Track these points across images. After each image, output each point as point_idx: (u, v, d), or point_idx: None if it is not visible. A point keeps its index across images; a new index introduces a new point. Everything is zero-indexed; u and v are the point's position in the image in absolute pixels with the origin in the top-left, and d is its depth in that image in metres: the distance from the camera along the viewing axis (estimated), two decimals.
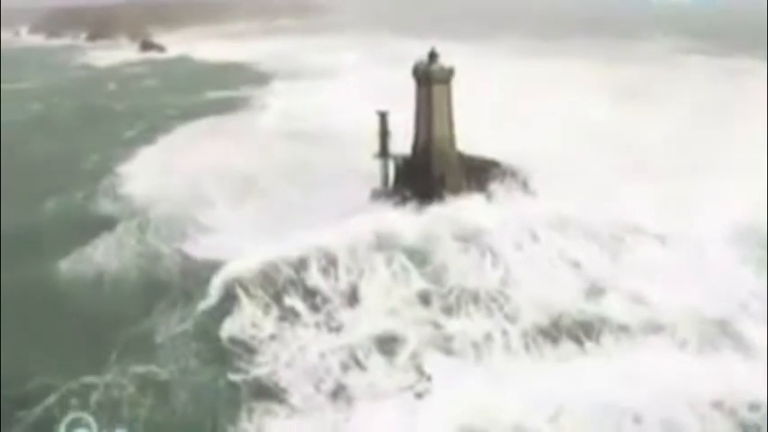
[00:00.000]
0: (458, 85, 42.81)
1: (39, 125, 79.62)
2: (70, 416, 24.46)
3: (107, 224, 43.53)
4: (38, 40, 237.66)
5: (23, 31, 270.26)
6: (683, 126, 55.22)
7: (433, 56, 41.89)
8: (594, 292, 32.99)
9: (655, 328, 30.03)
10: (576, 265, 35.56)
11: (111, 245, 40.19)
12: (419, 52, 42.72)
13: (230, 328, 30.49)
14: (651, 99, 66.41)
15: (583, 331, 29.87)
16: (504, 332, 29.84)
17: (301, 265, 34.38)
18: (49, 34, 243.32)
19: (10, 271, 36.11)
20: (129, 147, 63.64)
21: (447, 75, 41.74)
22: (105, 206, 48.04)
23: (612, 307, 31.46)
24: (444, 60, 41.93)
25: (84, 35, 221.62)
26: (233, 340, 29.95)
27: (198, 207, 44.82)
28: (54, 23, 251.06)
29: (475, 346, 29.10)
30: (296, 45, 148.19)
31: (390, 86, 48.58)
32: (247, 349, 29.43)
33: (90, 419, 24.25)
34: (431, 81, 41.36)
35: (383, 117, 43.33)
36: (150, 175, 52.83)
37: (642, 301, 31.75)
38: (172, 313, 31.90)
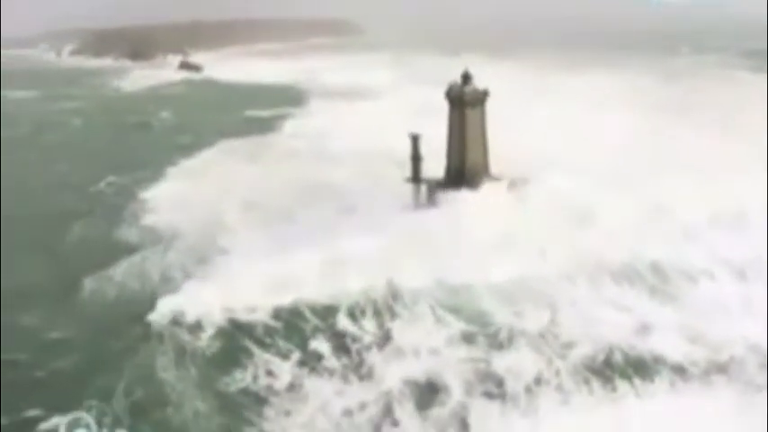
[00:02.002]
0: (498, 103, 41.83)
1: (71, 145, 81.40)
2: (70, 416, 24.59)
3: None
4: (79, 60, 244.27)
5: (65, 51, 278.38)
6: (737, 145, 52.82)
7: (466, 77, 40.71)
8: (646, 330, 30.58)
9: (713, 367, 27.86)
10: (627, 303, 33.05)
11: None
12: (456, 71, 41.54)
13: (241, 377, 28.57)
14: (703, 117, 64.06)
15: (635, 371, 27.69)
16: (557, 372, 27.62)
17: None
18: (90, 54, 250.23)
19: None
20: (159, 167, 63.85)
21: (481, 97, 40.55)
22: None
23: (666, 345, 29.08)
24: (484, 77, 40.84)
25: (124, 55, 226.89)
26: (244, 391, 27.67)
27: (221, 232, 43.53)
28: (95, 44, 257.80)
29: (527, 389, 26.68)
30: (331, 64, 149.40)
31: (426, 106, 47.87)
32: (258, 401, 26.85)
33: (90, 419, 24.50)
34: (464, 103, 40.22)
35: (415, 141, 42.54)
36: (174, 201, 52.30)
37: (698, 340, 29.50)
38: None
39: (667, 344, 28.86)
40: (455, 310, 32.28)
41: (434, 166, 43.38)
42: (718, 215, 40.23)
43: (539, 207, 38.81)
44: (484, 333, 30.63)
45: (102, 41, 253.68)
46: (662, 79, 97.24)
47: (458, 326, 31.17)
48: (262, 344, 30.61)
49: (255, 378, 28.11)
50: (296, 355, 29.68)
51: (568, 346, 29.23)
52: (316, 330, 31.44)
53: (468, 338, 30.27)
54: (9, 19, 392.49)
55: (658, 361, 28.03)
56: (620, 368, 27.77)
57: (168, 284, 36.25)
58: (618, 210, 39.81)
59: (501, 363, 28.04)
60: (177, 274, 37.55)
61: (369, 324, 31.50)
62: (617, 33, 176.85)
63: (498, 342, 29.94)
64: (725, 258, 36.47)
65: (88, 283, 37.18)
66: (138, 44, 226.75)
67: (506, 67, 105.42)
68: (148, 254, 41.33)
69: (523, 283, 33.94)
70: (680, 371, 27.52)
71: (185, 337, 31.01)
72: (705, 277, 35.26)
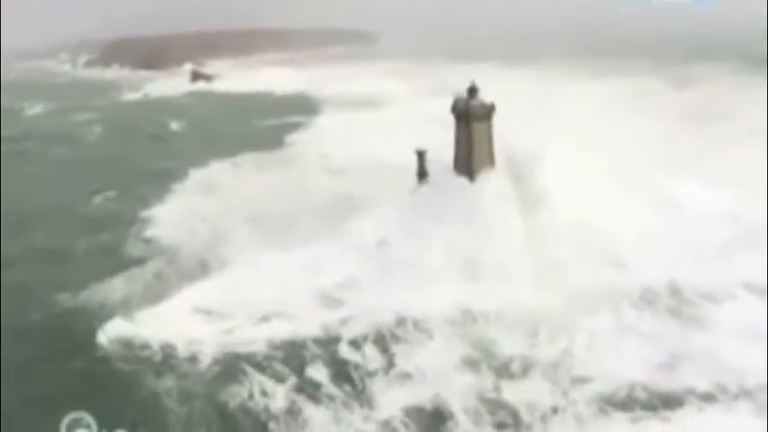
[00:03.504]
0: (515, 111, 40.21)
1: (79, 158, 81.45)
2: (70, 416, 24.00)
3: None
4: (93, 71, 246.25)
5: (80, 62, 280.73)
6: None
7: (472, 91, 39.44)
8: (672, 359, 29.26)
9: (740, 393, 26.82)
10: (648, 330, 31.59)
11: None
12: (468, 80, 40.28)
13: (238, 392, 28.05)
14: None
15: (662, 404, 26.46)
16: (574, 402, 26.45)
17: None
18: (105, 65, 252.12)
19: None
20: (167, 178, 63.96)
21: (488, 111, 39.16)
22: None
23: (692, 373, 27.98)
24: (495, 85, 39.63)
25: (138, 65, 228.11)
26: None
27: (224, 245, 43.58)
28: (110, 55, 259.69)
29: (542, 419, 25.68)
30: (343, 73, 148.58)
31: (438, 117, 46.64)
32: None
33: (90, 419, 23.95)
34: (470, 118, 38.95)
35: (421, 156, 41.53)
36: (179, 215, 52.18)
37: (726, 367, 28.23)
38: None
39: (696, 375, 27.61)
40: (463, 336, 31.03)
41: None
42: (739, 233, 38.62)
43: (550, 227, 36.99)
44: (492, 361, 29.36)
45: (117, 51, 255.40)
46: (674, 86, 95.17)
47: (465, 352, 29.93)
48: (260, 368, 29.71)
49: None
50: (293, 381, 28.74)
51: (584, 380, 27.79)
52: (315, 358, 30.39)
53: (474, 366, 29.03)
54: (29, 29, 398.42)
55: (687, 392, 26.86)
56: (644, 402, 26.54)
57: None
58: (635, 230, 38.22)
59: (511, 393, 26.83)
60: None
61: (371, 350, 30.34)
62: (623, 40, 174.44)
63: (509, 372, 28.69)
64: (746, 278, 34.91)
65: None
66: (152, 54, 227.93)
67: (517, 74, 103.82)
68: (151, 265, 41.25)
69: (537, 308, 32.37)
70: (708, 398, 26.46)
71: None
72: (727, 299, 33.71)
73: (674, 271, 35.58)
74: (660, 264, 36.27)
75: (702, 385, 27.05)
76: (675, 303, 33.51)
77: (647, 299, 33.79)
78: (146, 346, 31.23)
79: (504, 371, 28.70)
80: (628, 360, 28.80)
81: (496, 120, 39.79)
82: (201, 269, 40.70)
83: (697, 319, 32.32)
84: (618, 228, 38.09)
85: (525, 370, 28.68)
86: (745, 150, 53.82)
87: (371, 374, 28.95)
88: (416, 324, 31.86)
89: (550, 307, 32.33)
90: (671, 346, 29.84)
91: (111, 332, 31.97)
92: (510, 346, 30.10)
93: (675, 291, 34.34)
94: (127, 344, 31.37)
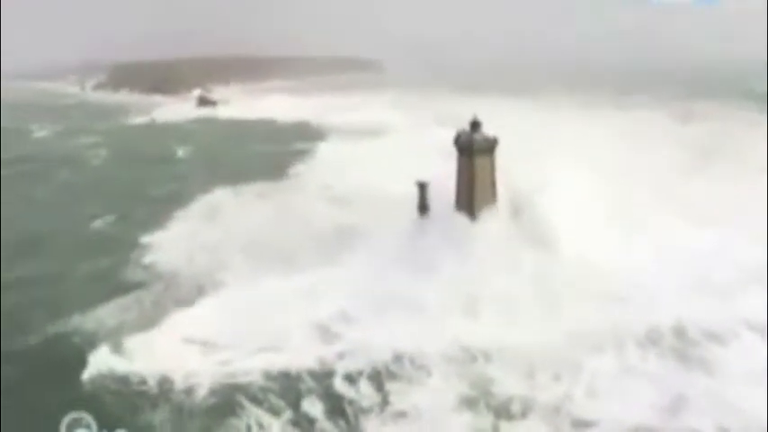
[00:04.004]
0: (517, 144, 40.34)
1: (82, 182, 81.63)
2: (70, 416, 23.78)
3: None
4: (101, 94, 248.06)
5: (89, 85, 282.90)
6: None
7: (475, 125, 39.36)
8: (677, 404, 28.59)
9: None
10: (653, 372, 30.94)
11: None
12: (473, 111, 40.30)
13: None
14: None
15: None
16: None
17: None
18: (113, 88, 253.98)
19: None
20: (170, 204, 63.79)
21: (491, 145, 39.09)
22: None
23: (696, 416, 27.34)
24: (502, 116, 39.56)
25: (145, 90, 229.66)
26: None
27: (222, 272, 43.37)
28: (119, 78, 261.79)
29: None
30: (348, 102, 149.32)
31: (441, 148, 46.47)
32: None
33: (90, 419, 23.83)
34: (473, 152, 38.83)
35: (422, 189, 41.40)
36: (179, 242, 51.85)
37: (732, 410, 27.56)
38: None
39: (701, 419, 26.92)
40: (461, 374, 30.37)
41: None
42: (744, 273, 38.15)
43: (552, 265, 36.51)
44: (491, 401, 28.65)
45: (127, 75, 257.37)
46: (679, 121, 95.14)
47: (462, 391, 29.24)
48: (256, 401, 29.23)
49: None
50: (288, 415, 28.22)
51: (585, 424, 27.06)
52: (309, 392, 29.83)
53: (472, 405, 28.34)
54: (39, 51, 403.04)
55: None
56: None
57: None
58: (637, 268, 37.80)
59: None
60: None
61: (366, 387, 29.77)
62: (624, 75, 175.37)
63: (509, 413, 27.97)
64: (749, 318, 34.42)
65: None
66: (161, 78, 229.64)
67: (519, 106, 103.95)
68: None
69: (538, 347, 31.72)
70: None
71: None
72: (732, 338, 33.14)
73: (677, 310, 35.01)
74: (664, 302, 35.74)
75: (707, 429, 26.36)
76: (680, 344, 32.88)
77: (652, 338, 33.17)
78: (140, 379, 30.71)
79: (503, 411, 27.99)
80: (630, 403, 28.05)
81: (500, 151, 39.68)
82: (198, 296, 40.37)
83: (701, 359, 31.67)
84: (620, 265, 37.62)
85: (525, 411, 27.97)
86: (749, 188, 53.63)
87: (366, 411, 28.34)
88: (413, 361, 31.22)
89: (552, 346, 31.68)
90: (675, 388, 29.18)
91: (96, 366, 31.50)
92: (510, 385, 29.40)
93: (680, 330, 33.76)
94: (118, 377, 30.83)
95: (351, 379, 30.39)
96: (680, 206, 48.96)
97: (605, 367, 30.78)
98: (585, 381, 29.70)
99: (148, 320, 36.65)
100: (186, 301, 39.52)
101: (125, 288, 42.72)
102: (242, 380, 30.85)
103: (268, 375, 31.01)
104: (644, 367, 31.18)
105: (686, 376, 30.39)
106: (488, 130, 39.99)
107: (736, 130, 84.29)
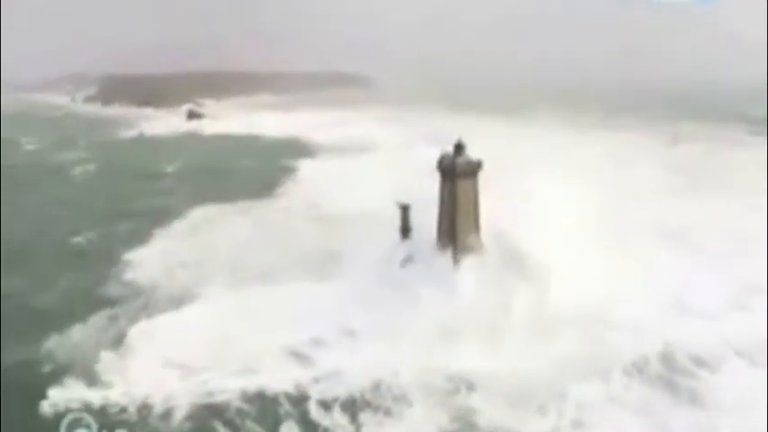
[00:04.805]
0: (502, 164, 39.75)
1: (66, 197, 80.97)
2: (70, 416, 23.72)
3: None
4: (91, 107, 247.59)
5: (80, 97, 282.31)
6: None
7: (459, 148, 38.68)
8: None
9: None
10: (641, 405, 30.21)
11: None
12: (464, 130, 40.03)
13: None
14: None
15: None
16: None
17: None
18: (104, 101, 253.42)
19: None
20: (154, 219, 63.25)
21: (474, 168, 38.36)
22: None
23: None
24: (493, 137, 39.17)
25: (135, 103, 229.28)
26: None
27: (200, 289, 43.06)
28: (110, 91, 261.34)
29: None
30: (337, 118, 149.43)
31: (428, 168, 46.26)
32: None
33: (90, 419, 23.95)
34: (456, 175, 38.12)
35: (405, 211, 40.94)
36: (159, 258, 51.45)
37: None
38: None
39: None
40: (443, 405, 29.50)
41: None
42: (729, 299, 38.04)
43: (538, 293, 35.78)
44: None
45: (116, 88, 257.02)
46: (669, 142, 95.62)
47: (443, 423, 28.41)
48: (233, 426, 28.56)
49: None
50: None
51: None
52: (287, 416, 29.19)
53: None
54: (31, 62, 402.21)
55: None
56: None
57: None
58: (626, 296, 37.50)
59: None
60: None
61: (339, 416, 29.13)
62: (615, 95, 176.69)
63: None
64: (736, 344, 34.22)
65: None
66: (151, 92, 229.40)
67: (507, 125, 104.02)
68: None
69: (523, 376, 30.91)
70: None
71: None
72: (719, 366, 32.90)
73: (664, 336, 34.77)
74: (649, 329, 35.44)
75: None
76: (667, 371, 32.50)
77: (638, 366, 32.72)
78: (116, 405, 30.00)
79: None
80: None
81: (485, 173, 39.29)
82: (177, 314, 39.80)
83: (689, 388, 31.31)
84: (606, 291, 37.33)
85: None
86: (735, 209, 53.73)
87: None
88: (390, 389, 30.48)
89: (537, 374, 31.03)
90: (662, 418, 28.79)
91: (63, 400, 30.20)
92: (494, 417, 28.57)
93: (667, 357, 33.45)
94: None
95: (326, 406, 29.66)
96: (665, 229, 49.04)
97: (591, 397, 30.16)
98: (571, 412, 29.06)
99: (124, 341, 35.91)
100: (164, 320, 38.86)
101: (102, 305, 42.00)
102: (219, 399, 30.12)
103: (245, 397, 30.30)
104: (630, 396, 30.66)
105: (673, 405, 29.98)
106: (475, 149, 39.40)
107: (724, 151, 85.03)
